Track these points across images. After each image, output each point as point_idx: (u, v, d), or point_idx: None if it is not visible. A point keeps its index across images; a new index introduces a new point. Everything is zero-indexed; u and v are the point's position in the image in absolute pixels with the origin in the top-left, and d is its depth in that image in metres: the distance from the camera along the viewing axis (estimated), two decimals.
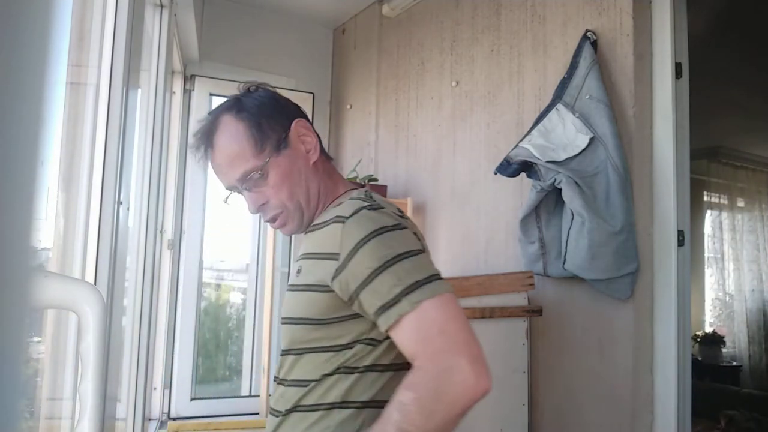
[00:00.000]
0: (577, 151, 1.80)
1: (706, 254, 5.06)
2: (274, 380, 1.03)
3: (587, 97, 1.83)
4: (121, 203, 1.26)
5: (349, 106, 3.26)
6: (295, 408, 0.93)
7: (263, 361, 2.89)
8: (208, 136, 1.01)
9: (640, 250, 1.75)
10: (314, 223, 1.04)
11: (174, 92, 2.89)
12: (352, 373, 0.92)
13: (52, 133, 1.03)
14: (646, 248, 1.78)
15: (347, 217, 0.90)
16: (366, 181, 2.57)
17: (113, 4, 1.27)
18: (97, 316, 0.68)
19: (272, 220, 1.03)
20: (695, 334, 4.70)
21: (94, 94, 1.23)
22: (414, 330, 0.81)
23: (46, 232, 1.08)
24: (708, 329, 4.96)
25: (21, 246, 0.20)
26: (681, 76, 1.85)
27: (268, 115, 1.02)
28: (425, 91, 2.72)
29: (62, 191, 1.18)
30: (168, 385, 2.84)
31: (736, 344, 4.96)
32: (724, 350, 4.86)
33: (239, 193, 1.03)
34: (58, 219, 1.15)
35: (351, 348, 0.92)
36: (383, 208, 0.93)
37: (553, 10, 2.09)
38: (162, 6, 2.09)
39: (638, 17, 1.82)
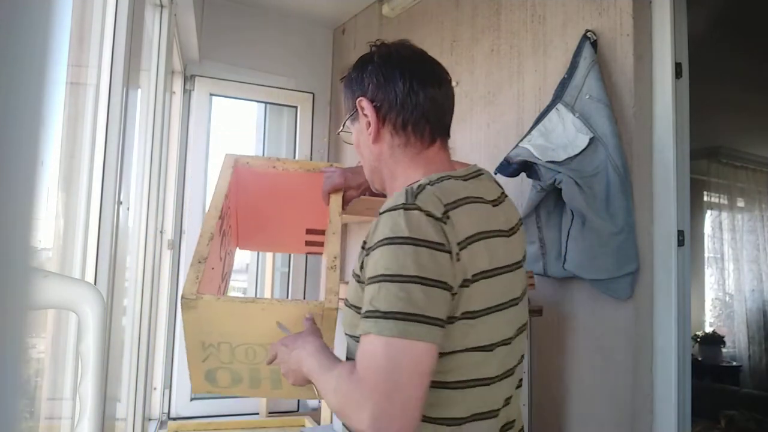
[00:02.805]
0: (577, 151, 1.80)
1: (706, 254, 5.06)
2: None
3: (587, 97, 1.83)
4: (121, 203, 1.26)
5: None
6: None
7: None
8: None
9: (640, 250, 1.75)
10: None
11: (174, 92, 2.89)
12: None
13: (52, 133, 1.03)
14: (646, 248, 1.78)
15: (381, 213, 0.85)
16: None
17: (113, 4, 1.27)
18: (97, 316, 0.68)
19: None
20: (695, 334, 4.70)
21: (94, 94, 1.23)
22: (360, 351, 0.80)
23: (46, 232, 1.08)
24: (708, 329, 4.96)
25: (21, 246, 0.20)
26: (681, 76, 1.86)
27: (346, 87, 1.04)
28: None
29: (62, 191, 1.18)
30: (168, 385, 2.84)
31: (736, 344, 4.96)
32: (724, 350, 4.87)
33: None
34: (58, 219, 1.15)
35: None
36: (417, 209, 0.81)
37: (553, 10, 2.09)
38: (162, 6, 2.09)
39: (638, 17, 1.82)
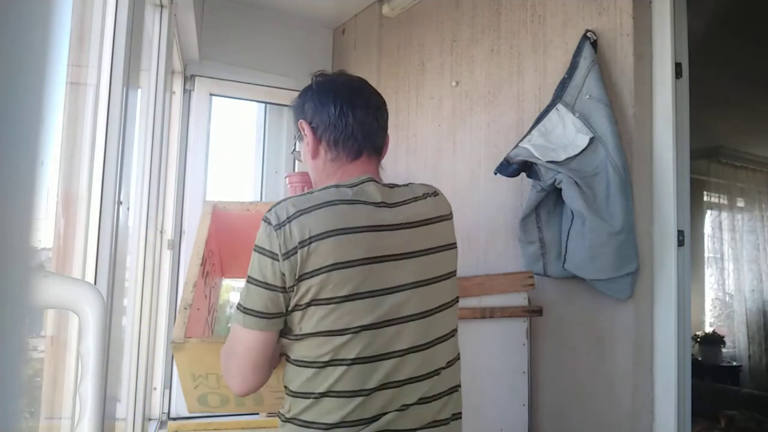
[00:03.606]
0: (577, 151, 1.80)
1: (706, 254, 5.06)
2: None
3: (587, 97, 1.83)
4: (121, 203, 1.26)
5: None
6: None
7: None
8: None
9: (640, 250, 1.75)
10: None
11: (174, 92, 2.89)
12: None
13: (52, 133, 1.03)
14: (646, 248, 1.78)
15: None
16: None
17: (113, 4, 1.27)
18: (97, 316, 0.68)
19: None
20: (695, 334, 4.70)
21: (94, 94, 1.23)
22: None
23: (46, 232, 1.08)
24: (708, 329, 4.96)
25: (21, 246, 0.20)
26: (681, 76, 1.85)
27: (293, 113, 1.19)
28: (425, 91, 2.72)
29: (62, 191, 1.17)
30: (168, 385, 2.84)
31: (736, 344, 4.96)
32: (724, 350, 4.86)
33: None
34: (58, 219, 1.15)
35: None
36: (264, 221, 1.01)
37: (553, 10, 2.09)
38: (162, 6, 2.09)
39: (638, 17, 1.82)
